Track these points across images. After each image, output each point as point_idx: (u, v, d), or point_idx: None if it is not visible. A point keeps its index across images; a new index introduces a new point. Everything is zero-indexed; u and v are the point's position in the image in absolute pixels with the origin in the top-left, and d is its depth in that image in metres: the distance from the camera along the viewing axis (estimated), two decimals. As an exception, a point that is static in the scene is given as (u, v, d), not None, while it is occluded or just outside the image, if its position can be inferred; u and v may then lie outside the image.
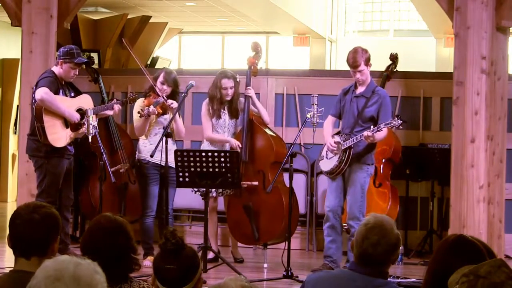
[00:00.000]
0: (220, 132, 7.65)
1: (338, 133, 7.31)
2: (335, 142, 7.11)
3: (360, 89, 7.21)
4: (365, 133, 6.92)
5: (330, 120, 7.35)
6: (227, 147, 7.58)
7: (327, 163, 7.24)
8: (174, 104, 7.30)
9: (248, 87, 7.65)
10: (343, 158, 7.08)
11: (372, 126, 7.03)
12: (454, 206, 7.16)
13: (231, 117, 7.64)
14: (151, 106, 7.24)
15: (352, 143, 7.04)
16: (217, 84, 7.57)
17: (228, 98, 7.57)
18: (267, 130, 7.73)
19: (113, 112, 7.42)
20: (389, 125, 6.94)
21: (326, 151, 7.25)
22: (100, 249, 3.21)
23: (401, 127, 7.04)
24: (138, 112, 7.30)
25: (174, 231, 3.06)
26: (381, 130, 6.95)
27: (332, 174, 7.18)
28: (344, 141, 7.09)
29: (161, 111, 7.32)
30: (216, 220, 7.76)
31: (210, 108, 7.63)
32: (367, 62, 7.14)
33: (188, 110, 8.81)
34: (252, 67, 7.77)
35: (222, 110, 7.60)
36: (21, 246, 3.16)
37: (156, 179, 7.40)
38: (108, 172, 7.15)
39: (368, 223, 3.45)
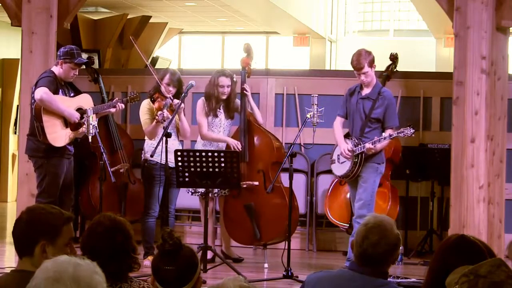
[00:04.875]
0: (215, 132, 7.66)
1: (347, 135, 7.29)
2: (349, 150, 7.11)
3: (366, 91, 7.23)
4: (367, 145, 6.94)
5: (339, 121, 7.35)
6: (222, 147, 7.58)
7: (339, 168, 7.25)
8: (179, 102, 7.32)
9: (245, 84, 7.66)
10: (356, 161, 7.09)
11: (380, 127, 7.09)
12: (454, 206, 7.16)
13: (227, 117, 7.65)
14: (165, 111, 7.24)
15: (363, 149, 7.05)
16: (214, 82, 7.59)
17: (224, 97, 7.59)
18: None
19: (115, 110, 7.42)
20: (402, 133, 6.98)
21: (338, 155, 7.25)
22: (99, 248, 3.21)
23: (413, 135, 7.08)
24: (155, 119, 7.30)
25: (171, 232, 3.05)
26: (391, 138, 7.01)
27: (346, 178, 7.21)
28: (355, 147, 7.10)
29: (171, 112, 7.34)
30: (213, 221, 7.76)
31: (206, 106, 7.65)
32: (371, 63, 7.16)
33: (188, 110, 8.78)
34: (246, 68, 7.79)
35: (218, 110, 7.62)
36: (15, 246, 3.17)
37: (162, 180, 7.38)
38: (108, 172, 7.15)
39: (368, 223, 3.45)
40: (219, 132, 7.67)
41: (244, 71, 7.78)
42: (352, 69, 7.23)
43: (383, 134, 7.08)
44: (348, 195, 7.68)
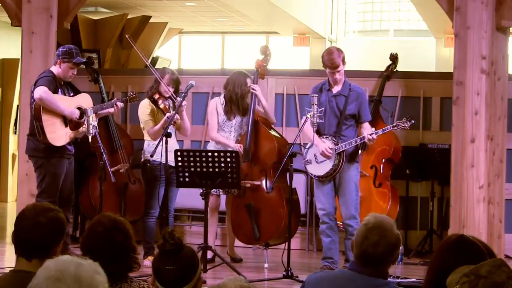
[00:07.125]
0: (226, 131, 7.67)
1: (318, 133, 7.23)
2: (330, 148, 7.09)
3: (337, 88, 7.23)
4: (371, 136, 6.92)
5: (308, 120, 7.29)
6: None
7: (318, 168, 7.18)
8: (183, 103, 7.35)
9: (255, 85, 7.67)
10: (338, 161, 7.07)
11: (354, 124, 7.10)
12: (454, 206, 7.17)
13: (241, 115, 7.66)
14: (172, 112, 7.26)
15: (349, 146, 7.04)
16: (243, 82, 7.62)
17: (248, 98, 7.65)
18: (271, 131, 7.73)
19: (113, 110, 7.41)
20: (398, 127, 6.99)
21: (315, 155, 7.20)
22: (99, 247, 3.21)
23: (407, 127, 7.08)
24: (165, 118, 7.28)
25: (172, 232, 3.05)
26: (384, 132, 7.02)
27: (326, 177, 7.16)
28: (336, 145, 7.08)
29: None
30: (216, 220, 7.77)
31: (223, 108, 7.64)
32: (343, 61, 7.20)
33: (188, 110, 8.78)
34: (259, 69, 7.83)
35: (235, 112, 7.63)
36: (23, 247, 3.16)
37: (164, 180, 7.37)
38: (108, 172, 7.15)
39: (368, 223, 3.45)
40: (230, 132, 7.68)
41: (257, 73, 7.81)
42: (329, 68, 7.20)
43: (368, 131, 7.05)
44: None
